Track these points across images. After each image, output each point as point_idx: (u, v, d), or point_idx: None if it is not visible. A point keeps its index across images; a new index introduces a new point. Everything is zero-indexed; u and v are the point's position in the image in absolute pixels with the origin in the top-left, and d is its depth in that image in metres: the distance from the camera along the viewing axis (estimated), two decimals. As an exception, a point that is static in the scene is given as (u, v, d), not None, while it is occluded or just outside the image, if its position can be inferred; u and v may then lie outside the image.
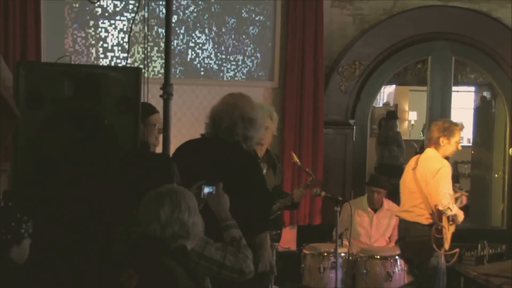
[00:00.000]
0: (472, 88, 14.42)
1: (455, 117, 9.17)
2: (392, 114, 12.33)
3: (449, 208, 5.77)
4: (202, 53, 7.63)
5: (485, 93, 13.35)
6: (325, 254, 6.44)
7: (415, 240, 5.88)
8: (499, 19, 8.18)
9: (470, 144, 13.79)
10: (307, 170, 5.75)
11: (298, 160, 5.65)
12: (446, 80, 8.30)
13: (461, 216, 5.91)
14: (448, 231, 5.86)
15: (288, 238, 7.62)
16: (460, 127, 6.05)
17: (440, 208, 5.76)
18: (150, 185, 3.27)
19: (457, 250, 5.97)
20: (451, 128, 5.97)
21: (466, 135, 14.79)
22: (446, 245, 5.85)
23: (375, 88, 8.29)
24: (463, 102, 14.78)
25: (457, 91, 13.80)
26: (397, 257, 6.24)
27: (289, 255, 7.19)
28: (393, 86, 15.06)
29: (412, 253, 5.96)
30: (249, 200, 3.76)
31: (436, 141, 5.96)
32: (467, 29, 8.12)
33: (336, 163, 7.89)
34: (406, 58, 8.30)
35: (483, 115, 12.50)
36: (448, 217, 5.83)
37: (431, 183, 5.82)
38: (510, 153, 5.90)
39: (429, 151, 6.02)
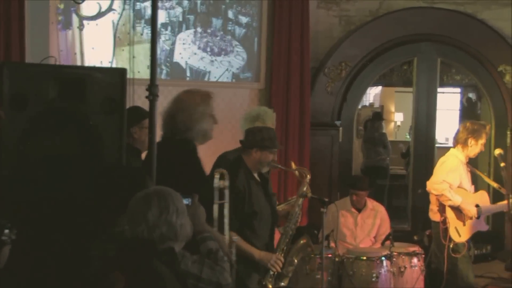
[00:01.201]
0: (458, 90, 14.47)
1: (440, 118, 9.22)
2: (378, 116, 12.36)
3: (444, 195, 5.97)
4: (188, 54, 7.62)
5: (470, 95, 13.42)
6: (312, 255, 6.43)
7: (434, 236, 6.28)
8: (484, 21, 8.21)
9: (456, 145, 13.85)
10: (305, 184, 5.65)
11: (280, 166, 5.59)
12: (431, 81, 8.33)
13: (469, 209, 6.02)
14: (464, 225, 6.03)
15: (275, 240, 7.61)
16: (487, 129, 6.19)
17: (434, 192, 6.06)
18: (123, 201, 3.26)
19: (464, 242, 6.07)
20: (480, 131, 6.13)
21: (452, 136, 14.86)
22: (456, 238, 6.03)
23: (361, 89, 8.31)
24: (448, 103, 14.83)
25: (443, 92, 13.85)
26: (383, 258, 6.24)
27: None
28: (379, 87, 15.09)
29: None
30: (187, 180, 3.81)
31: (464, 142, 6.13)
32: (452, 31, 8.15)
33: (322, 164, 7.90)
34: (392, 59, 8.32)
35: (469, 116, 12.56)
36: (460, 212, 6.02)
37: (434, 173, 6.15)
38: (496, 154, 5.94)
39: (452, 151, 6.21)
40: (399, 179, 11.49)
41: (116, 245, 3.20)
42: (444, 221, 6.05)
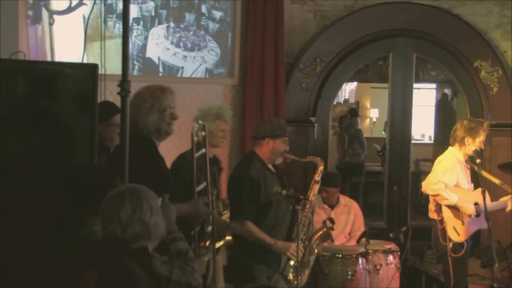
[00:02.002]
0: (434, 85, 14.58)
1: (416, 114, 9.28)
2: (353, 112, 12.42)
3: (440, 195, 6.05)
4: (161, 49, 7.59)
5: (446, 90, 13.53)
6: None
7: (433, 235, 6.31)
8: (460, 16, 8.27)
9: (432, 142, 13.98)
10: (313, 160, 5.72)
11: (293, 156, 5.63)
12: (407, 77, 8.36)
13: (466, 207, 6.08)
14: (463, 225, 6.08)
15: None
16: (485, 127, 6.20)
17: (429, 193, 6.14)
18: (92, 201, 3.25)
19: (463, 242, 6.12)
20: (477, 128, 6.17)
21: (428, 133, 14.99)
22: (455, 237, 6.08)
23: (336, 85, 8.33)
24: (424, 99, 14.93)
25: (419, 88, 13.95)
26: (359, 256, 6.27)
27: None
28: (355, 83, 15.17)
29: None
30: (140, 172, 3.84)
31: (461, 140, 6.18)
32: (428, 26, 8.20)
33: (296, 161, 7.90)
34: (367, 55, 8.35)
35: (444, 112, 12.67)
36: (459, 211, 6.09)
37: (430, 173, 6.23)
38: (471, 150, 5.98)
39: (450, 149, 6.26)
40: (375, 176, 11.56)
41: (85, 246, 3.19)
42: (441, 221, 6.12)
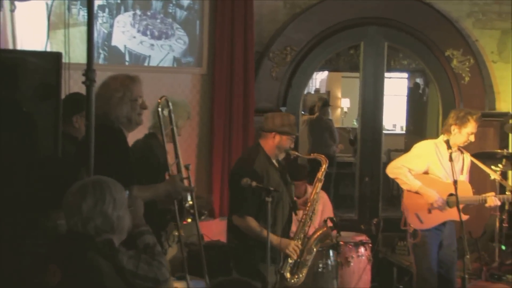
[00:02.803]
0: (405, 75, 14.66)
1: (388, 104, 9.33)
2: (324, 102, 12.43)
3: (399, 179, 6.12)
4: (127, 37, 7.54)
5: (418, 80, 13.61)
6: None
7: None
8: (432, 5, 8.32)
9: (403, 132, 14.07)
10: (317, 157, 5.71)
11: (298, 153, 5.65)
12: (378, 66, 8.40)
13: (428, 195, 6.07)
14: (430, 213, 6.09)
15: (218, 230, 7.62)
16: (475, 118, 6.09)
17: (390, 176, 6.23)
18: (56, 194, 3.22)
19: (412, 228, 6.17)
20: (465, 118, 6.09)
21: (399, 123, 15.09)
22: (416, 224, 6.13)
23: (307, 74, 8.35)
24: (396, 89, 15.01)
25: (390, 78, 14.02)
26: (330, 248, 6.30)
27: (220, 248, 7.19)
28: (325, 73, 15.20)
29: None
30: (109, 166, 3.81)
31: (448, 129, 6.14)
32: (399, 15, 8.24)
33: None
34: (338, 43, 8.37)
35: (416, 102, 12.75)
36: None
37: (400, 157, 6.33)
38: (443, 140, 6.00)
39: (439, 138, 6.26)
40: (347, 167, 11.58)
41: (48, 240, 3.17)
42: (404, 207, 6.19)
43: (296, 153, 5.49)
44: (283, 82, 8.03)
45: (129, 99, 4.24)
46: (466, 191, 6.09)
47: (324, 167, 5.47)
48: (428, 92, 11.29)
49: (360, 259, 6.48)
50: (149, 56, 7.64)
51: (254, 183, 5.05)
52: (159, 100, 4.64)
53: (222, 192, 7.61)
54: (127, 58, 7.55)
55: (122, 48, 7.54)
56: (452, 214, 6.05)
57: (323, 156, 5.57)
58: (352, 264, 6.40)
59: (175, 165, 4.62)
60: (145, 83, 4.48)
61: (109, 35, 7.49)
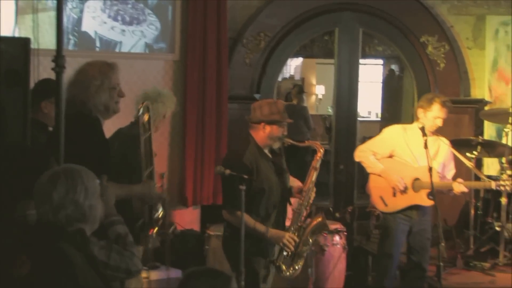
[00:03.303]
0: (380, 61, 14.75)
1: (363, 91, 9.37)
2: (298, 88, 12.46)
3: (363, 162, 6.21)
4: (98, 23, 7.49)
5: (393, 66, 13.69)
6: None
7: None
8: (407, -10, 8.35)
9: (379, 119, 14.15)
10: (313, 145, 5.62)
11: (292, 141, 5.51)
12: (353, 52, 8.43)
13: (390, 179, 6.09)
14: (395, 196, 6.12)
15: (191, 219, 7.63)
16: (440, 101, 6.04)
17: (355, 159, 6.31)
18: (24, 184, 3.20)
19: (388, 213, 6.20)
20: (431, 101, 6.06)
21: (374, 110, 15.17)
22: (381, 207, 6.21)
23: (281, 61, 8.35)
24: (371, 75, 15.08)
25: (365, 64, 14.08)
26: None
27: (192, 237, 7.20)
28: (300, 59, 15.24)
29: None
30: (85, 155, 3.79)
31: (416, 113, 6.18)
32: (374, 0, 8.25)
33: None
34: (312, 29, 8.38)
35: (391, 88, 12.83)
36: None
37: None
38: (418, 127, 6.02)
39: (415, 124, 6.21)
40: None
41: (17, 231, 3.14)
42: (369, 190, 6.26)
43: (291, 140, 5.32)
44: (257, 69, 8.03)
45: (108, 87, 4.21)
46: (434, 177, 6.10)
47: (319, 154, 5.31)
48: (404, 79, 11.35)
49: (335, 248, 6.50)
50: (120, 42, 7.59)
51: (227, 171, 5.04)
52: (140, 106, 4.62)
53: (195, 180, 7.60)
54: (97, 44, 7.50)
55: (92, 34, 7.48)
56: (417, 199, 6.06)
57: (318, 143, 5.44)
58: (327, 252, 6.42)
59: (149, 172, 4.61)
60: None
61: (79, 21, 7.43)
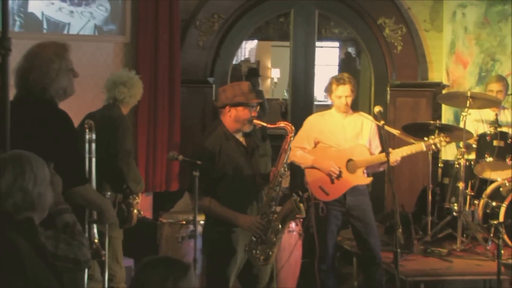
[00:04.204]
0: (337, 44, 14.82)
1: (319, 74, 9.42)
2: (253, 72, 12.47)
3: (294, 161, 6.18)
4: (45, 4, 7.42)
5: (349, 49, 13.76)
6: (184, 222, 6.48)
7: None
8: (364, -29, 8.40)
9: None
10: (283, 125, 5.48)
11: (262, 122, 5.41)
12: (309, 35, 8.45)
13: (324, 167, 6.13)
14: (333, 183, 6.14)
15: (144, 206, 7.61)
16: (333, 80, 6.25)
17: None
18: None
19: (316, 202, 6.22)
20: (329, 83, 6.27)
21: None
22: (323, 197, 6.18)
23: (235, 43, 8.35)
24: (327, 58, 15.16)
25: (321, 47, 14.15)
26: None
27: (145, 224, 7.19)
28: (255, 42, 15.24)
29: None
30: (62, 155, 3.78)
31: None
32: (331, -19, 8.30)
33: (194, 125, 7.91)
34: (267, 11, 8.39)
35: (348, 72, 12.88)
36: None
37: None
38: (375, 112, 6.06)
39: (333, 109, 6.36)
40: (278, 140, 11.63)
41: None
42: (307, 184, 6.25)
43: (261, 122, 5.23)
44: (210, 52, 8.02)
45: (66, 69, 4.16)
46: (363, 154, 6.18)
47: (290, 136, 5.20)
48: (360, 62, 11.42)
49: (291, 234, 6.54)
50: (69, 24, 7.53)
51: (180, 157, 5.04)
52: (86, 125, 4.61)
53: (147, 166, 7.58)
54: (45, 25, 7.43)
55: (39, 15, 7.41)
56: (355, 179, 6.13)
57: (290, 124, 5.30)
58: (283, 240, 6.46)
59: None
60: (64, 52, 4.43)
61: (25, 2, 7.35)
